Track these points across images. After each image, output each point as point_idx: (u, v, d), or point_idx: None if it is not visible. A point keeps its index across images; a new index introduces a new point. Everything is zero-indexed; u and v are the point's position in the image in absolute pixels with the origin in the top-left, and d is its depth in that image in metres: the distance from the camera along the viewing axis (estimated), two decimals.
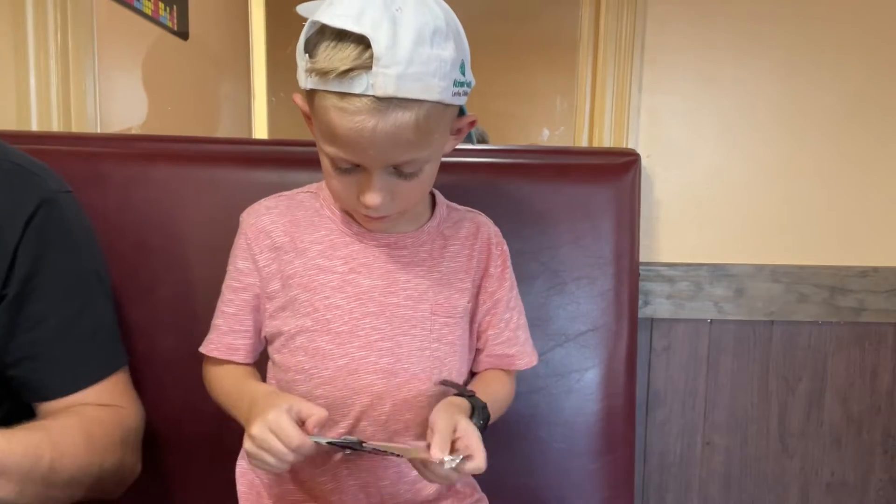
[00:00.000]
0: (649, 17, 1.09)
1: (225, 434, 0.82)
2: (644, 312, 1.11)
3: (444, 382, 0.75)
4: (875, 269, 1.13)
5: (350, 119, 0.61)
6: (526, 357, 0.83)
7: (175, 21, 1.73)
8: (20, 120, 1.06)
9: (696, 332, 1.14)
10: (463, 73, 0.65)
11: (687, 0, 1.09)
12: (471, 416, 0.69)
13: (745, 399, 1.16)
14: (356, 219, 0.75)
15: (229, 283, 0.77)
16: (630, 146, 1.10)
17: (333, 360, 0.72)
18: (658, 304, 1.12)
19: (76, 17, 1.08)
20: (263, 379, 0.79)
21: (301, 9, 0.71)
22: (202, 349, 0.78)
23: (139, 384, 0.82)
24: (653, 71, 1.10)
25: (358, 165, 0.66)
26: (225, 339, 0.77)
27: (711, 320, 1.14)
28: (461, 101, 0.68)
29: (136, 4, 1.49)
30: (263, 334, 0.78)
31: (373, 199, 0.66)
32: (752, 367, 1.15)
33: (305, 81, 0.63)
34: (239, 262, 0.76)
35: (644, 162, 1.09)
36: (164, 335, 0.91)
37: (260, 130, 2.45)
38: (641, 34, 1.09)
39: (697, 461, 1.17)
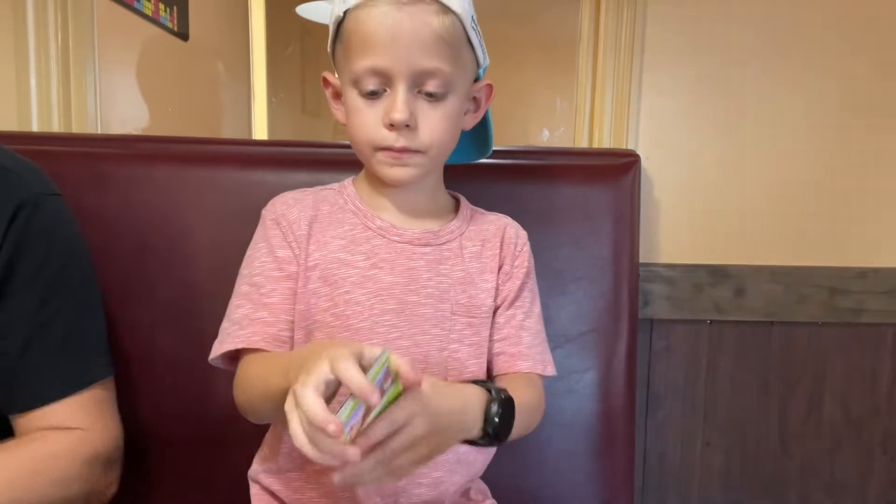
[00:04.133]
0: (649, 17, 1.09)
1: (228, 435, 0.82)
2: (644, 313, 1.11)
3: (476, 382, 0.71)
4: (874, 270, 1.13)
5: (378, 14, 0.65)
6: (530, 360, 0.78)
7: (175, 22, 1.73)
8: (20, 121, 1.06)
9: (696, 332, 1.14)
10: (475, 24, 0.71)
11: (687, 0, 1.09)
12: (486, 410, 0.65)
13: (744, 400, 1.16)
14: (377, 171, 0.73)
15: (268, 273, 0.74)
16: (630, 147, 1.10)
17: None
18: (658, 305, 1.12)
19: (76, 18, 1.08)
20: None
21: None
22: (240, 343, 0.70)
23: (139, 384, 0.82)
24: (653, 71, 1.10)
25: (385, 86, 0.67)
26: (271, 330, 0.72)
27: (711, 321, 1.14)
28: (479, 52, 0.72)
29: (136, 5, 1.49)
30: None
31: (399, 112, 0.66)
32: (751, 367, 1.15)
33: (340, 7, 0.68)
34: (278, 251, 0.74)
35: (644, 163, 1.09)
36: (164, 335, 0.91)
37: (260, 131, 2.45)
38: (641, 35, 1.09)
39: (697, 461, 1.17)
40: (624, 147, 1.10)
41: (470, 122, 0.77)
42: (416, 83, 0.68)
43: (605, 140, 1.12)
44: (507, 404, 0.67)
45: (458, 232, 0.79)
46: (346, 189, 0.79)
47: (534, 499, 0.95)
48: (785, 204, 1.12)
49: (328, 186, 0.81)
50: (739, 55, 1.09)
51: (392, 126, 0.68)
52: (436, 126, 0.70)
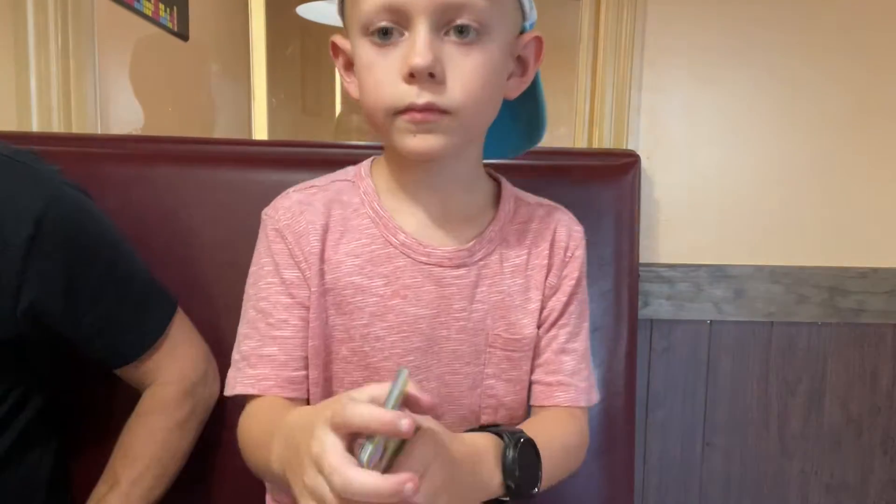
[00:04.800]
0: (649, 17, 1.09)
1: (229, 433, 0.81)
2: (644, 313, 1.11)
3: (482, 428, 0.61)
4: (874, 270, 1.13)
5: None
6: (571, 391, 0.66)
7: (175, 22, 1.73)
8: (21, 121, 1.06)
9: (696, 332, 1.14)
10: None
11: (687, 1, 1.09)
12: (503, 456, 0.55)
13: (744, 400, 1.16)
14: (397, 145, 0.58)
15: (276, 298, 0.62)
16: (630, 147, 1.10)
17: None
18: (658, 305, 1.12)
19: (77, 18, 1.08)
20: None
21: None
22: (251, 388, 0.61)
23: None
24: (653, 71, 1.10)
25: (402, 28, 0.54)
26: (283, 373, 0.61)
27: (711, 321, 1.14)
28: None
29: (136, 5, 1.49)
30: None
31: (420, 56, 0.52)
32: (751, 368, 1.15)
33: None
34: (286, 272, 0.62)
35: (644, 163, 1.09)
36: None
37: (260, 131, 2.45)
38: (641, 35, 1.09)
39: (697, 462, 1.17)
40: (624, 147, 1.10)
41: (514, 87, 0.62)
42: (442, 21, 0.53)
43: (605, 140, 1.12)
44: (527, 449, 0.56)
45: (497, 239, 0.65)
46: (363, 183, 0.65)
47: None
48: (785, 204, 1.12)
49: (342, 175, 0.67)
50: (740, 55, 1.09)
51: (412, 77, 0.53)
52: (469, 77, 0.55)
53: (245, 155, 0.99)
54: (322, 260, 0.62)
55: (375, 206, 0.63)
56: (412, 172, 0.63)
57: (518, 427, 0.60)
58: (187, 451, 0.79)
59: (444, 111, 0.55)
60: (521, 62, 0.62)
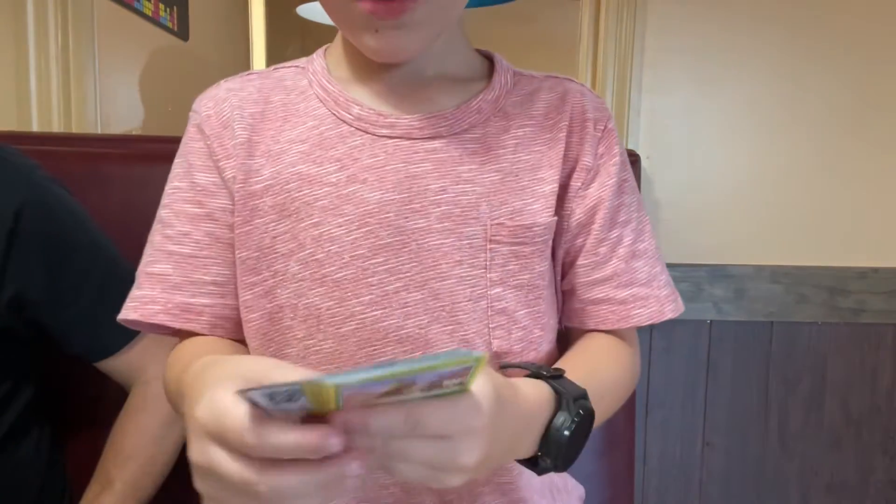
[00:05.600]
0: (649, 18, 1.09)
1: None
2: None
3: (508, 365, 0.49)
4: (874, 270, 1.13)
5: None
6: (651, 303, 0.53)
7: (175, 22, 1.72)
8: (21, 121, 1.06)
9: (696, 332, 1.14)
10: None
11: (687, 1, 1.09)
12: (554, 415, 0.43)
13: (744, 400, 1.16)
14: (363, 46, 0.47)
15: (180, 207, 0.52)
16: (630, 147, 1.10)
17: (334, 324, 0.49)
18: None
19: (77, 18, 1.08)
20: None
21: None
22: (132, 313, 0.51)
23: None
24: (653, 72, 1.10)
25: None
26: (176, 297, 0.50)
27: (711, 321, 1.14)
28: None
29: (136, 5, 1.49)
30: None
31: None
32: (751, 367, 1.15)
33: None
34: (198, 176, 0.52)
35: (644, 163, 1.09)
36: None
37: None
38: (641, 35, 1.09)
39: (697, 462, 1.17)
40: (624, 147, 1.10)
41: None
42: None
43: None
44: (584, 423, 0.43)
45: (490, 110, 0.52)
46: (314, 63, 0.54)
47: None
48: (785, 204, 1.12)
49: (289, 63, 0.56)
50: (739, 55, 1.09)
51: None
52: None
53: None
54: (250, 153, 0.50)
55: (325, 84, 0.52)
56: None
57: (570, 377, 0.45)
58: (179, 446, 0.78)
59: None
60: None
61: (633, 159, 1.00)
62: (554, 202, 0.52)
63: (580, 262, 0.54)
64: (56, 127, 1.08)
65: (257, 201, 0.50)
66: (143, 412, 0.76)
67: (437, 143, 0.49)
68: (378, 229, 0.48)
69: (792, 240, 1.13)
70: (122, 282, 0.76)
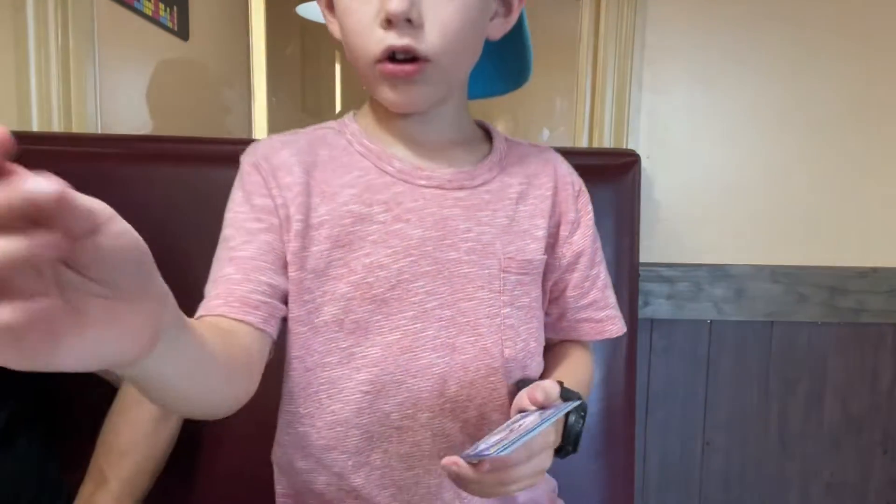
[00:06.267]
0: (649, 16, 1.09)
1: (226, 432, 0.81)
2: (644, 313, 1.11)
3: (523, 381, 0.63)
4: (874, 270, 1.13)
5: None
6: (616, 322, 0.70)
7: (175, 21, 1.72)
8: (21, 120, 1.06)
9: (696, 332, 1.14)
10: None
11: (687, 0, 1.09)
12: (566, 421, 0.58)
13: (744, 399, 1.16)
14: (380, 96, 0.59)
15: (241, 224, 0.59)
16: (630, 147, 1.10)
17: (381, 334, 0.59)
18: (658, 305, 1.12)
19: (77, 18, 1.08)
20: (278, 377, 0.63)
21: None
22: (201, 310, 0.58)
23: None
24: (653, 71, 1.10)
25: None
26: (238, 291, 0.56)
27: (711, 321, 1.14)
28: None
29: (136, 5, 1.49)
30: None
31: (396, 1, 0.52)
32: (751, 367, 1.15)
33: None
34: (256, 199, 0.60)
35: (644, 162, 1.09)
36: None
37: (260, 130, 2.45)
38: (642, 34, 1.09)
39: (697, 461, 1.17)
40: (624, 147, 1.10)
41: (498, 28, 0.62)
42: None
43: (605, 140, 1.12)
44: (581, 408, 0.58)
45: (497, 169, 0.65)
46: (349, 127, 0.64)
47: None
48: (785, 204, 1.12)
49: (325, 125, 0.66)
50: (740, 54, 1.09)
51: (389, 23, 0.53)
52: (448, 20, 0.54)
53: None
54: (308, 192, 0.60)
55: (365, 143, 0.62)
56: (399, 117, 0.62)
57: (562, 380, 0.59)
58: (173, 441, 0.78)
59: (422, 58, 0.55)
60: (504, 2, 0.62)
61: (633, 159, 1.00)
62: (544, 244, 0.65)
63: (569, 293, 0.69)
64: (56, 126, 1.08)
65: (314, 233, 0.59)
66: (135, 408, 0.75)
67: (462, 193, 0.62)
68: (419, 259, 0.60)
69: (792, 239, 1.13)
70: None
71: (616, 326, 0.70)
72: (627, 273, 0.98)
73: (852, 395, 1.16)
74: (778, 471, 1.18)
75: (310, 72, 2.88)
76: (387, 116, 0.63)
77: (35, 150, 0.91)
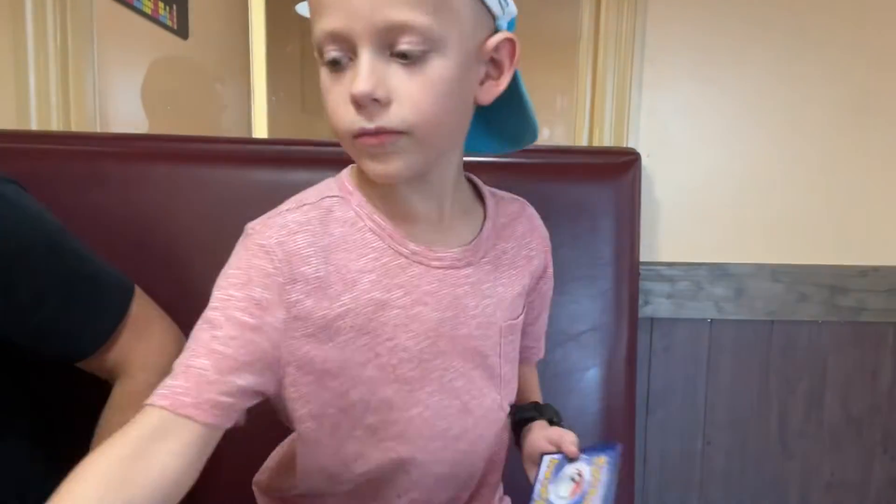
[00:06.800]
0: (650, 15, 1.09)
1: (224, 436, 0.81)
2: (644, 312, 1.11)
3: (512, 408, 0.72)
4: (875, 269, 1.13)
5: None
6: (542, 348, 0.81)
7: (175, 20, 1.72)
8: (19, 119, 1.06)
9: (697, 331, 1.14)
10: None
11: None
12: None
13: (745, 399, 1.16)
14: (364, 169, 0.58)
15: (232, 312, 0.56)
16: (630, 145, 1.10)
17: (405, 410, 0.62)
18: (658, 304, 1.12)
19: (76, 16, 1.08)
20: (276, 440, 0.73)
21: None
22: (162, 399, 0.53)
23: None
24: (653, 70, 1.10)
25: (349, 54, 0.53)
26: (208, 394, 0.53)
27: (711, 320, 1.13)
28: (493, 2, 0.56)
29: (135, 3, 1.49)
30: (286, 395, 0.61)
31: (359, 83, 0.51)
32: (752, 366, 1.15)
33: None
34: (256, 290, 0.56)
35: (644, 161, 1.08)
36: None
37: (260, 130, 2.45)
38: (642, 32, 1.09)
39: (697, 461, 1.17)
40: (624, 145, 1.10)
41: (488, 92, 0.59)
42: (385, 43, 0.52)
43: (605, 138, 1.12)
44: (558, 416, 0.72)
45: (493, 236, 0.67)
46: (354, 198, 0.62)
47: None
48: (785, 202, 1.12)
49: (325, 191, 0.63)
50: (741, 52, 1.09)
51: (358, 104, 0.53)
52: (417, 97, 0.53)
53: (245, 153, 0.99)
54: (329, 283, 0.58)
55: (376, 219, 0.61)
56: (403, 190, 0.61)
57: (538, 402, 0.76)
58: None
59: (397, 132, 0.54)
60: (496, 64, 0.59)
61: (633, 157, 1.00)
62: (524, 298, 0.71)
63: (530, 330, 0.76)
64: (55, 125, 1.08)
65: (339, 323, 0.59)
66: (128, 409, 0.73)
67: (469, 270, 0.64)
68: (437, 340, 0.63)
69: (792, 238, 1.13)
70: (90, 280, 0.73)
71: (542, 352, 0.80)
72: (627, 272, 0.97)
73: (853, 394, 1.16)
74: (778, 470, 1.18)
75: (310, 71, 2.87)
76: (387, 189, 0.61)
77: (34, 149, 0.91)
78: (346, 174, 0.65)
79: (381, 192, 0.62)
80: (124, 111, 1.57)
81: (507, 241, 0.69)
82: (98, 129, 1.16)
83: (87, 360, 0.74)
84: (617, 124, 1.11)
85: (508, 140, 0.70)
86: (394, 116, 0.53)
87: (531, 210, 0.74)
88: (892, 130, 1.11)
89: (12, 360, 0.75)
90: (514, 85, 0.62)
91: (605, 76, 1.10)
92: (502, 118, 0.66)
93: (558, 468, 0.64)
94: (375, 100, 0.52)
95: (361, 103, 0.52)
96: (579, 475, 0.60)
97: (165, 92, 1.78)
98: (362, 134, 0.54)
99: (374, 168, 0.56)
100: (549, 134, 2.98)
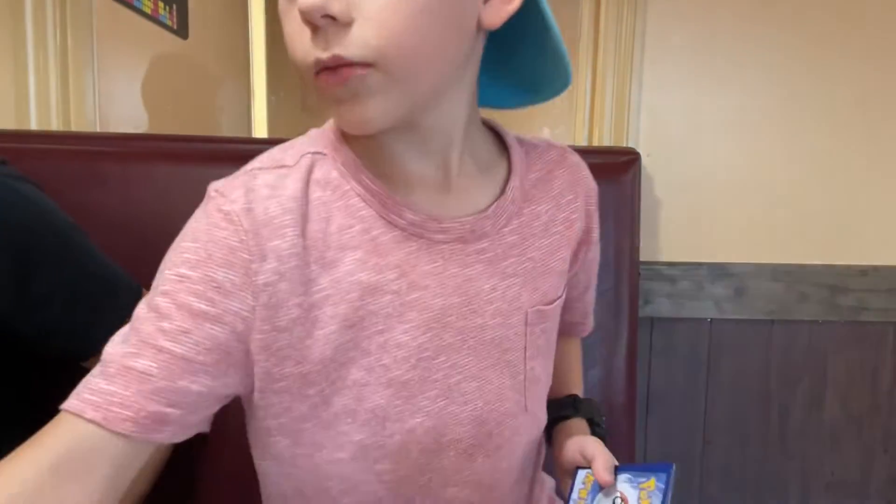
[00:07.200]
0: (649, 15, 1.09)
1: (222, 433, 0.81)
2: (644, 312, 1.11)
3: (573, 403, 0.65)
4: (875, 268, 1.12)
5: None
6: (591, 323, 0.70)
7: (175, 20, 1.72)
8: (19, 119, 1.06)
9: (697, 331, 1.14)
10: None
11: None
12: (592, 428, 0.62)
13: (745, 398, 1.16)
14: (331, 114, 0.46)
15: (186, 299, 0.43)
16: (630, 145, 1.10)
17: (401, 421, 0.49)
18: (658, 304, 1.12)
19: (75, 16, 1.08)
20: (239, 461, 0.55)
21: None
22: (85, 409, 0.42)
23: None
24: (653, 69, 1.10)
25: None
26: (153, 405, 0.42)
27: (712, 319, 1.13)
28: None
29: (135, 3, 1.49)
30: (255, 401, 0.49)
31: None
32: (752, 366, 1.15)
33: None
34: (217, 270, 0.44)
35: (644, 160, 1.08)
36: None
37: (259, 129, 2.45)
38: (642, 32, 1.09)
39: (697, 461, 1.17)
40: (624, 145, 1.10)
41: (497, 11, 0.45)
42: None
43: (605, 138, 1.12)
44: (599, 413, 0.64)
45: (521, 198, 0.53)
46: (339, 154, 0.49)
47: None
48: (786, 202, 1.12)
49: (308, 146, 0.50)
50: (740, 52, 1.09)
51: (312, 26, 0.40)
52: (385, 13, 0.40)
53: (245, 153, 0.98)
54: (306, 261, 0.46)
55: (364, 181, 0.48)
56: (391, 138, 0.48)
57: (576, 395, 0.65)
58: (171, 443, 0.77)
59: (361, 64, 0.41)
60: None
61: (633, 157, 0.99)
62: (566, 273, 0.58)
63: (576, 306, 0.66)
64: (55, 125, 1.07)
65: (317, 313, 0.46)
66: None
67: (484, 243, 0.51)
68: (441, 332, 0.50)
69: (792, 238, 1.13)
70: (100, 278, 0.74)
71: (592, 322, 0.71)
72: (628, 272, 0.97)
73: (853, 393, 1.16)
74: (778, 469, 1.18)
75: None
76: (372, 144, 0.48)
77: (33, 149, 0.91)
78: (328, 127, 0.52)
79: (367, 149, 0.49)
80: (124, 111, 1.57)
81: (540, 202, 0.54)
82: (98, 129, 1.16)
83: (91, 359, 0.74)
84: (617, 124, 1.11)
85: (533, 88, 0.55)
86: (354, 41, 0.40)
87: (575, 158, 0.58)
88: (892, 130, 1.11)
89: (16, 359, 0.75)
90: (535, 6, 0.47)
91: (605, 75, 1.10)
92: (523, 59, 0.52)
93: (596, 486, 0.53)
94: (331, 17, 0.40)
95: (313, 22, 0.40)
96: (622, 500, 0.49)
97: (165, 92, 1.77)
98: (322, 69, 0.42)
99: (341, 115, 0.44)
100: (549, 133, 2.98)
